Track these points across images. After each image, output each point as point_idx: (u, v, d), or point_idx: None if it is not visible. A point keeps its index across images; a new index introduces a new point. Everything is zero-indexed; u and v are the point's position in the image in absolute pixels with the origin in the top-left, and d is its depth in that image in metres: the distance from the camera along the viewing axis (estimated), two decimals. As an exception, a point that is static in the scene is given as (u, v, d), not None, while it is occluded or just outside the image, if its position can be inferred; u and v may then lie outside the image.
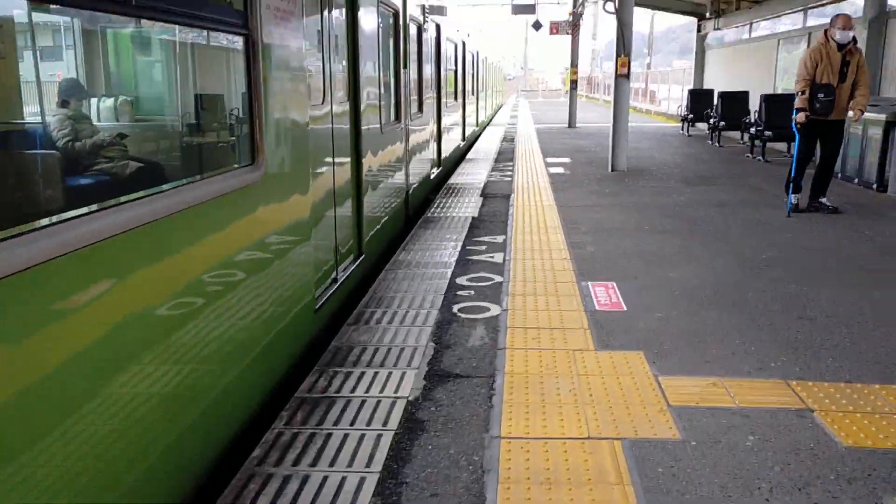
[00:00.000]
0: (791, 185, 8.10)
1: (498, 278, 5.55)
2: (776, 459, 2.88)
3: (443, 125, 11.74)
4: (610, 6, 12.14)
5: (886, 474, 2.77)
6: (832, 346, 4.10)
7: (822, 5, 14.85)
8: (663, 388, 3.52)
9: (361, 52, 5.55)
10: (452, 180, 11.32)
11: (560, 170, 12.10)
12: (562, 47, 23.38)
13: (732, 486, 2.71)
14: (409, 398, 3.46)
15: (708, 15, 20.76)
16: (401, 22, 7.51)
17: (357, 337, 4.31)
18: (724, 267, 5.84)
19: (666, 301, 4.94)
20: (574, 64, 22.63)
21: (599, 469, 2.82)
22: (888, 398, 3.40)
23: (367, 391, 3.54)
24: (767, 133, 13.05)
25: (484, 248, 6.59)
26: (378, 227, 6.32)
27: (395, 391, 3.54)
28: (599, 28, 59.35)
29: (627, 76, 11.72)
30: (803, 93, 7.78)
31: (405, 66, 7.80)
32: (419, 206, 9.22)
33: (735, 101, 16.00)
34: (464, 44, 15.94)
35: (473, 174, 11.92)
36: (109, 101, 3.49)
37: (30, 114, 2.82)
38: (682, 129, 19.41)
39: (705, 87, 20.73)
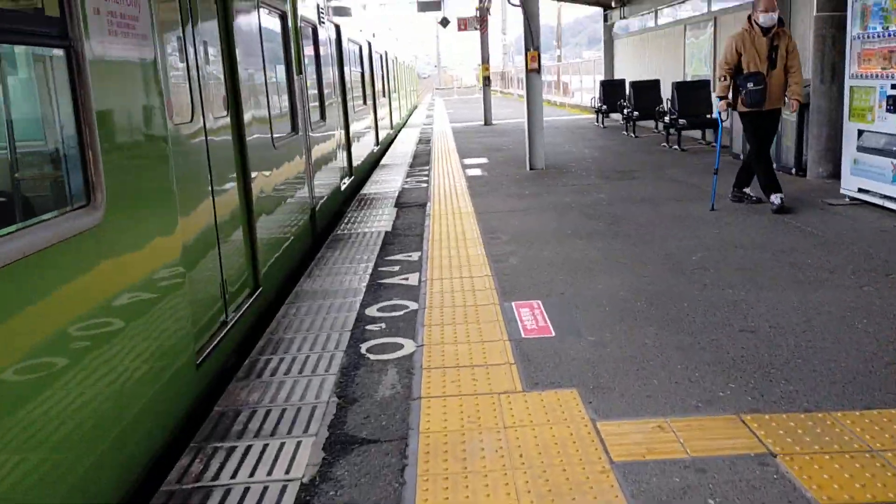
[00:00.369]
0: (764, 185, 7.40)
1: (412, 305, 4.98)
2: (742, 526, 2.42)
3: (352, 132, 11.08)
4: (515, -1, 11.75)
5: (870, 534, 2.34)
6: (781, 363, 3.70)
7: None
8: (603, 437, 3.02)
9: (240, 59, 4.88)
10: (366, 190, 10.69)
11: (478, 171, 11.63)
12: (474, 43, 23.00)
13: (697, 571, 2.22)
14: (304, 480, 2.84)
15: (613, 4, 20.73)
16: (290, 25, 6.83)
17: (246, 396, 3.66)
18: (654, 272, 5.44)
19: (597, 320, 4.47)
20: (485, 60, 22.28)
21: (536, 563, 2.29)
22: (854, 428, 2.99)
23: (251, 474, 2.90)
24: (682, 121, 12.93)
25: (397, 268, 6.01)
26: (278, 253, 5.65)
27: (287, 471, 2.91)
28: (508, 22, 59.55)
29: (538, 71, 11.34)
30: (724, 78, 7.32)
31: (299, 73, 7.13)
32: (330, 220, 8.57)
33: (647, 90, 15.90)
34: (370, 44, 15.30)
35: (388, 182, 11.32)
36: None
37: None
38: (597, 121, 19.32)
39: (616, 77, 20.70)
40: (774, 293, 4.79)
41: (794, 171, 9.43)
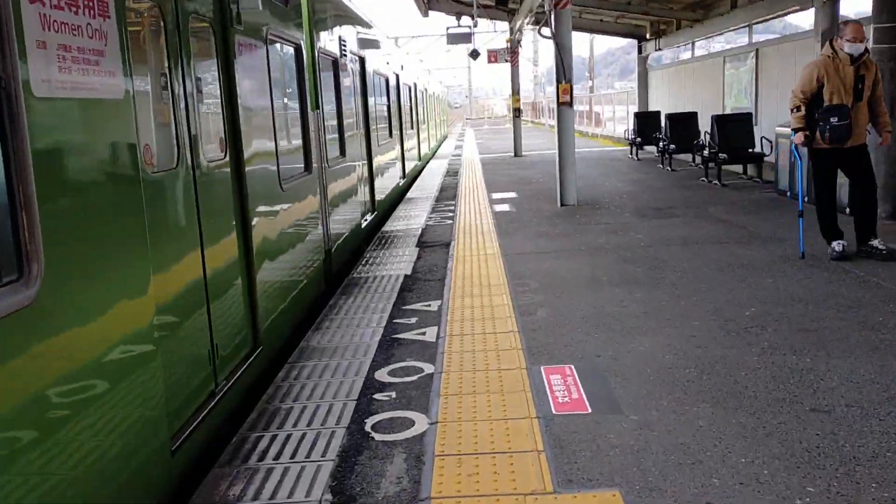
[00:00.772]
0: (826, 230, 6.65)
1: (428, 368, 4.41)
2: None
3: (376, 166, 10.63)
4: (546, 31, 11.29)
5: None
6: (868, 458, 3.05)
7: (767, 20, 14.29)
8: (655, 564, 2.41)
9: (242, 97, 4.41)
10: (388, 226, 10.19)
11: (506, 207, 11.09)
12: (506, 73, 22.64)
13: None
14: None
15: (648, 36, 20.24)
16: (306, 58, 6.39)
17: (226, 490, 3.11)
18: (702, 331, 4.81)
19: (639, 392, 3.86)
20: (516, 91, 21.87)
21: None
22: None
23: None
24: (722, 155, 12.29)
25: (415, 319, 5.45)
26: (284, 304, 5.14)
27: None
28: (540, 53, 59.41)
29: (570, 104, 10.82)
30: (799, 109, 6.47)
31: (316, 107, 6.69)
32: (350, 258, 8.07)
33: (684, 123, 15.28)
34: (397, 76, 14.94)
35: (412, 217, 10.82)
36: None
37: None
38: (631, 154, 18.70)
39: (651, 108, 20.13)
40: (846, 361, 4.14)
41: (847, 210, 8.70)
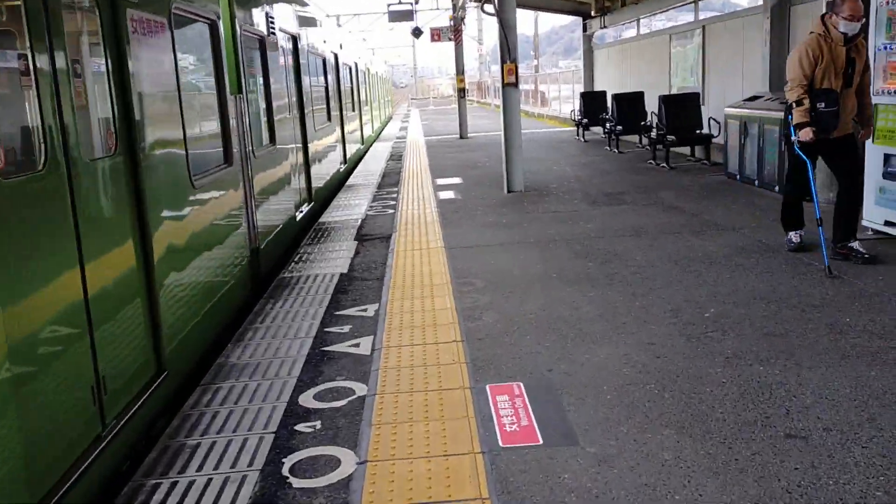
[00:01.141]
0: (787, 219, 6.24)
1: (360, 389, 3.91)
2: None
3: (312, 152, 9.98)
4: (490, 7, 10.78)
5: None
6: (855, 498, 2.68)
7: (713, -2, 14.02)
8: None
9: (138, 80, 3.78)
10: (326, 217, 9.60)
11: (451, 194, 10.61)
12: (451, 52, 22.05)
13: None
14: None
15: (593, 13, 19.87)
16: (224, 36, 5.74)
17: (106, 564, 2.57)
18: (661, 337, 4.42)
19: (597, 416, 3.43)
20: (460, 71, 21.32)
21: None
22: None
23: None
24: (670, 137, 12.01)
25: (348, 328, 4.94)
26: (197, 318, 4.54)
27: None
28: (485, 32, 58.78)
29: (516, 84, 10.34)
30: (800, 102, 5.65)
31: (238, 91, 6.05)
32: (281, 256, 7.48)
33: (630, 103, 14.98)
34: (336, 56, 14.23)
35: (351, 206, 10.24)
36: None
37: None
38: (578, 135, 18.40)
39: (596, 88, 19.83)
40: (818, 373, 3.78)
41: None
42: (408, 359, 4.30)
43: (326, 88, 12.47)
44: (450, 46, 21.77)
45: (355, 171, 14.80)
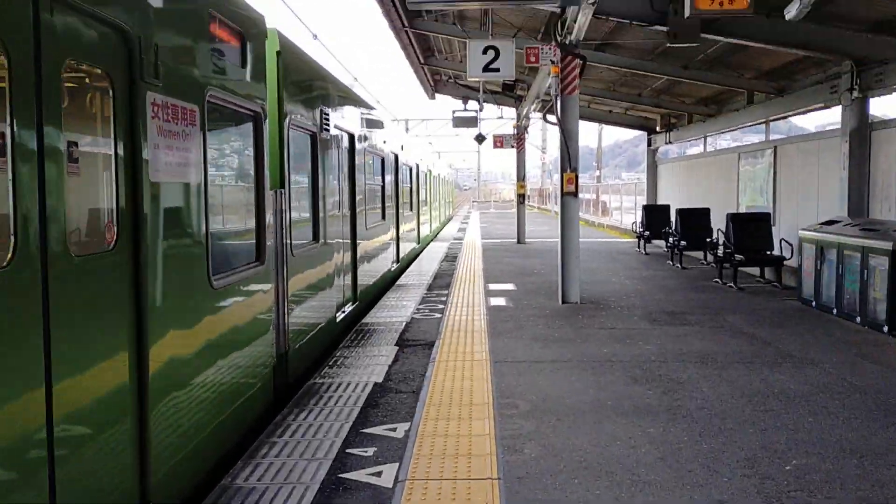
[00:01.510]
0: None
1: (374, 533, 3.34)
2: None
3: (361, 251, 9.70)
4: (552, 117, 10.61)
5: None
6: None
7: (785, 117, 13.64)
8: None
9: (155, 168, 3.44)
10: (369, 317, 9.19)
11: (502, 301, 10.11)
12: (514, 158, 22.09)
13: None
14: None
15: (658, 129, 19.72)
16: (269, 129, 5.49)
17: None
18: (735, 494, 3.73)
19: None
20: (521, 178, 21.27)
21: None
22: None
23: None
24: (738, 256, 11.37)
25: (372, 451, 4.39)
26: (197, 440, 3.93)
27: None
28: (549, 140, 59.54)
29: (576, 193, 9.98)
30: None
31: (280, 186, 5.80)
32: (318, 358, 7.05)
33: (695, 218, 14.45)
34: (396, 156, 14.25)
35: (398, 307, 9.82)
36: None
37: None
38: (639, 247, 17.85)
39: (659, 201, 19.42)
40: (936, 561, 3.06)
41: (885, 329, 7.70)
42: (434, 497, 3.71)
43: (383, 187, 12.36)
44: (513, 153, 21.86)
45: (408, 271, 14.51)
